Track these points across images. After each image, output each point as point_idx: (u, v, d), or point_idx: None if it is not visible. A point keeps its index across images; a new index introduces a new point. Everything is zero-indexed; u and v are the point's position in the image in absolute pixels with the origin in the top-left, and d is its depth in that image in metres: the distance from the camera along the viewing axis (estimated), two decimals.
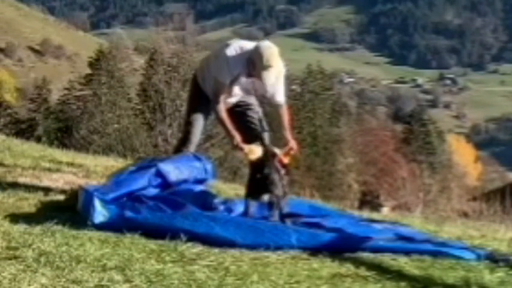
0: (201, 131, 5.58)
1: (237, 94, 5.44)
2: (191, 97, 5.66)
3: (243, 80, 5.35)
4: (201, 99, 5.49)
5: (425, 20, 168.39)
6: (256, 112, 5.54)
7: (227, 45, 5.38)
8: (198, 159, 5.34)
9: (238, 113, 5.48)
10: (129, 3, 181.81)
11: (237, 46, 5.35)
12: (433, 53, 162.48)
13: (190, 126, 5.52)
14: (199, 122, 5.51)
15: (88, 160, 8.15)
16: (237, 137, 5.25)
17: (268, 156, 5.07)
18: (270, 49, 5.19)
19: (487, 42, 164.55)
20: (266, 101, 5.62)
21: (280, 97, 5.47)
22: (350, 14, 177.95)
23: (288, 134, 5.45)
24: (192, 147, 5.51)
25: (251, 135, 5.39)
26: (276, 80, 5.32)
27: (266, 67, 5.13)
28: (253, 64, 5.18)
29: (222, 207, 4.97)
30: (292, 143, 5.35)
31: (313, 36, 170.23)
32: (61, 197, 5.23)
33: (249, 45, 5.35)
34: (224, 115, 5.33)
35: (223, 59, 5.35)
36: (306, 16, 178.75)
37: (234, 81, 5.34)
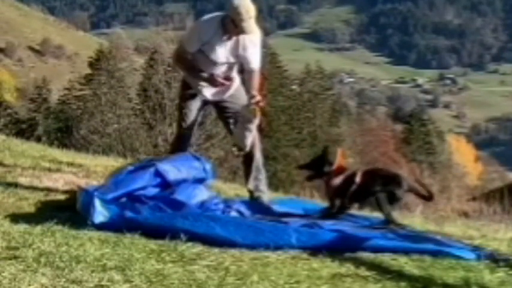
0: (194, 127, 5.60)
1: (217, 63, 5.37)
2: (180, 96, 5.71)
3: (219, 51, 5.30)
4: (191, 96, 5.54)
5: (425, 20, 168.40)
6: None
7: None
8: (197, 159, 5.35)
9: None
10: (129, 3, 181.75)
11: (207, 16, 5.46)
12: (433, 53, 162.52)
13: (183, 128, 5.56)
14: (191, 118, 5.54)
15: (88, 160, 8.15)
16: (205, 77, 5.34)
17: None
18: (245, 1, 5.19)
19: (487, 42, 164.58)
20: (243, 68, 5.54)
21: (255, 64, 5.42)
22: (350, 14, 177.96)
23: (255, 92, 5.38)
24: (186, 146, 5.54)
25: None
26: (252, 46, 5.33)
27: (247, 19, 5.14)
28: (233, 21, 5.16)
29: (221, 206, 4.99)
30: (258, 97, 5.32)
31: (313, 36, 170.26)
32: (61, 197, 5.23)
33: (217, 13, 5.40)
34: (184, 66, 5.50)
35: (192, 27, 5.51)
36: (306, 16, 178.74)
37: (206, 50, 5.30)
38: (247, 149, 5.44)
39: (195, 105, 5.54)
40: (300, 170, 5.68)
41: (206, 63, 5.37)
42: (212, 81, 5.39)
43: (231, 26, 5.20)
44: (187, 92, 5.56)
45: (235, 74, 5.54)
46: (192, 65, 5.42)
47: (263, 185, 5.58)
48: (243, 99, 5.47)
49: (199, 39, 5.31)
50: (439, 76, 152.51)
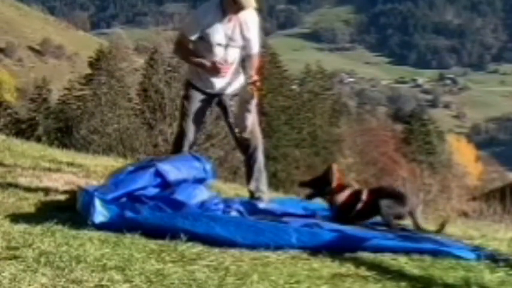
0: (196, 128, 5.56)
1: (218, 51, 5.33)
2: (184, 97, 5.65)
3: (220, 35, 5.28)
4: (194, 96, 5.49)
5: (425, 20, 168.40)
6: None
7: None
8: (197, 159, 5.34)
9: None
10: (129, 3, 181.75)
11: (204, 4, 5.45)
12: (433, 53, 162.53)
13: (182, 126, 5.53)
14: (193, 119, 5.51)
15: (88, 160, 8.14)
16: (207, 63, 5.30)
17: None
18: None
19: (487, 42, 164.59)
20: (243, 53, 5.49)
21: (256, 47, 5.42)
22: (350, 14, 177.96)
23: (253, 72, 5.36)
24: (187, 146, 5.51)
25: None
26: (253, 26, 5.33)
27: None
28: (234, 1, 5.14)
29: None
30: (255, 77, 5.31)
31: (313, 36, 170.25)
32: (61, 197, 5.23)
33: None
34: (184, 53, 5.46)
35: (191, 15, 5.57)
36: (306, 16, 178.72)
37: (206, 35, 5.27)
38: (248, 129, 5.40)
39: (198, 106, 5.50)
40: (301, 187, 5.68)
41: (208, 49, 5.32)
42: (215, 69, 5.33)
43: (230, 2, 5.18)
44: (191, 92, 5.52)
45: (237, 65, 5.49)
46: (193, 53, 5.38)
47: (263, 186, 5.58)
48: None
49: (199, 24, 5.29)
50: (439, 76, 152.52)
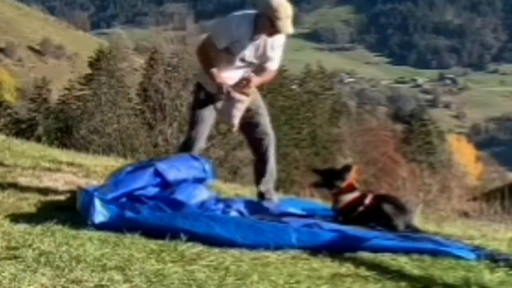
0: (206, 136, 5.50)
1: (238, 67, 5.27)
2: (195, 101, 5.57)
3: (247, 51, 5.19)
4: (206, 102, 5.40)
5: (425, 20, 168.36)
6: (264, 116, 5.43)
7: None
8: (196, 159, 5.33)
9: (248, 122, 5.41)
10: (129, 3, 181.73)
11: (238, 12, 5.31)
12: (433, 53, 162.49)
13: (193, 132, 5.44)
14: (203, 127, 5.44)
15: (88, 160, 8.14)
16: (218, 80, 5.19)
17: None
18: (283, 0, 5.16)
19: (487, 42, 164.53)
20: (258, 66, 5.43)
21: (275, 65, 5.39)
22: (350, 14, 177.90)
23: (256, 77, 5.30)
24: (195, 151, 5.46)
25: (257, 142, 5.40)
26: (278, 47, 5.28)
27: (284, 17, 5.08)
28: (269, 20, 5.06)
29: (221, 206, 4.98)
30: (254, 79, 5.26)
31: (313, 36, 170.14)
32: (61, 197, 5.22)
33: (249, 11, 5.28)
34: (205, 59, 5.29)
35: (223, 22, 5.28)
36: (306, 16, 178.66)
37: (233, 48, 5.19)
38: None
39: (208, 112, 5.40)
40: (311, 172, 5.62)
41: (229, 61, 5.24)
42: (221, 90, 5.24)
43: (267, 24, 5.09)
44: (201, 96, 5.43)
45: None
46: (212, 60, 5.27)
47: (272, 188, 5.55)
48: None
49: (230, 35, 5.16)
50: (439, 76, 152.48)
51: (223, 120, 5.41)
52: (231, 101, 5.27)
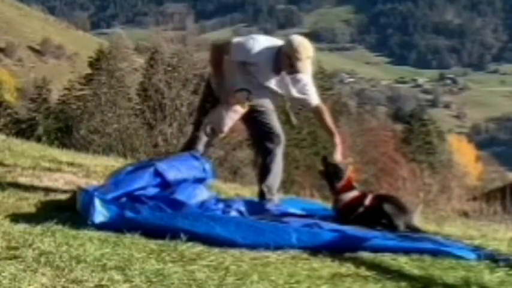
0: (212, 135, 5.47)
1: (261, 90, 5.24)
2: (203, 100, 5.57)
3: (271, 80, 5.20)
4: (214, 100, 5.39)
5: (425, 19, 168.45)
6: (269, 115, 5.41)
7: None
8: (196, 158, 5.33)
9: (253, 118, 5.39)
10: (129, 3, 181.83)
11: (268, 39, 5.28)
12: (433, 53, 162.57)
13: (199, 132, 5.44)
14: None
15: (88, 160, 8.14)
16: (222, 88, 5.20)
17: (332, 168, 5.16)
18: (304, 41, 5.14)
19: (487, 42, 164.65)
20: (298, 104, 5.47)
21: (315, 100, 5.38)
22: (350, 14, 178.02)
23: (337, 139, 5.31)
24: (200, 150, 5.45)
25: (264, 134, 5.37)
26: (302, 84, 5.27)
27: (303, 59, 5.08)
28: (289, 58, 5.07)
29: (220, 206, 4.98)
30: (348, 159, 5.32)
31: (313, 36, 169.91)
32: (61, 197, 5.22)
33: (277, 41, 5.24)
34: (216, 65, 5.27)
35: (252, 40, 5.20)
36: (306, 16, 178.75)
37: (253, 70, 5.17)
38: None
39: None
40: (321, 162, 5.58)
41: (248, 82, 5.23)
42: (225, 98, 5.26)
43: (286, 62, 5.11)
44: (210, 95, 5.42)
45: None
46: (220, 68, 5.28)
47: (276, 188, 5.50)
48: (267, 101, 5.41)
49: (247, 55, 5.16)
50: (439, 76, 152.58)
51: (213, 123, 5.39)
52: (226, 108, 5.27)
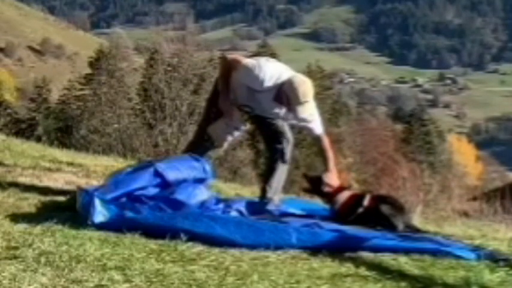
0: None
1: (252, 106, 5.29)
2: (210, 101, 5.58)
3: (275, 108, 5.24)
4: (218, 112, 5.40)
5: (425, 19, 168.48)
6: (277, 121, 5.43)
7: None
8: (196, 159, 5.33)
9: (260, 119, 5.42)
10: (129, 2, 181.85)
11: (277, 67, 5.26)
12: (433, 53, 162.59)
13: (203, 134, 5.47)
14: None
15: (88, 160, 8.14)
16: (226, 102, 5.24)
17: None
18: (305, 84, 5.15)
19: (487, 42, 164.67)
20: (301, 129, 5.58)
21: (319, 129, 5.46)
22: (350, 14, 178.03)
23: (332, 164, 5.36)
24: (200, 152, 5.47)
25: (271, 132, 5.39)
26: (312, 113, 5.34)
27: (302, 103, 5.13)
28: (287, 98, 5.11)
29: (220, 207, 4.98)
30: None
31: (313, 36, 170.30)
32: (61, 197, 5.22)
33: (284, 72, 5.24)
34: (224, 81, 5.28)
35: (257, 67, 5.20)
36: (306, 16, 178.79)
37: (253, 92, 5.20)
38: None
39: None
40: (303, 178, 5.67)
41: (247, 94, 5.26)
42: (226, 110, 5.30)
43: (285, 99, 5.14)
44: (218, 97, 5.43)
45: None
46: (228, 86, 5.30)
47: (278, 188, 5.51)
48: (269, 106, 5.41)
49: (252, 83, 5.19)
50: (439, 76, 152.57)
51: (213, 135, 5.41)
52: (228, 123, 5.31)
